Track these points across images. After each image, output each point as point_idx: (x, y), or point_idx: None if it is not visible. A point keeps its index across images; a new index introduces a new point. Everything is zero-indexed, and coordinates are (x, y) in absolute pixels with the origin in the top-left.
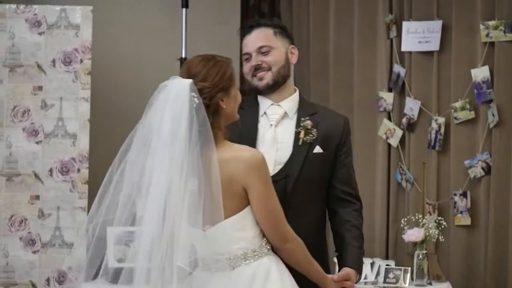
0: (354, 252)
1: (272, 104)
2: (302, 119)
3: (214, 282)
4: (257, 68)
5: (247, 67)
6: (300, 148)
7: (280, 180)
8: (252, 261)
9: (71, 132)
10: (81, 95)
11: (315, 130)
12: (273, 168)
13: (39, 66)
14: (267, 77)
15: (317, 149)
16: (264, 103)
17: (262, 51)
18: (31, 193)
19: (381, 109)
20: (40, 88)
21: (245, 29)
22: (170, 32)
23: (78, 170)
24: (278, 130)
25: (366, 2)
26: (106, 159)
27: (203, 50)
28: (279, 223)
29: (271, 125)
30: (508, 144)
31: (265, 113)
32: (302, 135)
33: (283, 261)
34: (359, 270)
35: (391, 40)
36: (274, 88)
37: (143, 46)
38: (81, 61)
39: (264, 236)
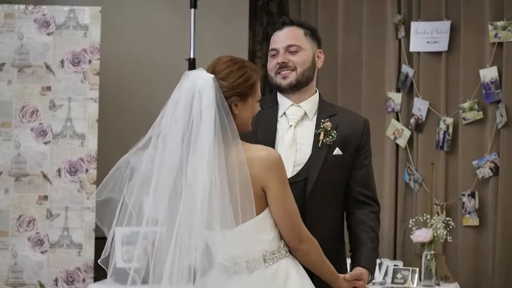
0: (368, 252)
1: (292, 105)
2: (322, 120)
3: (231, 286)
4: (283, 66)
5: (272, 63)
6: (319, 150)
7: (299, 182)
8: (271, 263)
9: (80, 132)
10: (90, 95)
11: (334, 132)
12: (292, 169)
13: (47, 67)
14: (291, 77)
15: (337, 151)
16: (284, 103)
17: (291, 50)
18: (40, 194)
19: (389, 109)
20: (49, 88)
21: (276, 25)
22: (178, 33)
23: (87, 171)
24: (297, 131)
25: (374, 3)
26: (115, 160)
27: (212, 51)
28: (295, 222)
29: (291, 126)
30: None
31: (284, 113)
32: (321, 136)
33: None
34: (372, 270)
35: (400, 40)
36: (296, 88)
37: (151, 47)
38: (90, 61)
39: (281, 238)
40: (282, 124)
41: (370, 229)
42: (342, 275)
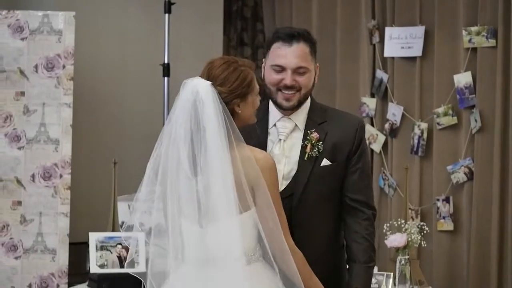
0: (360, 269)
1: (282, 117)
2: (309, 131)
3: (228, 277)
4: (289, 87)
5: (276, 78)
6: (305, 163)
7: (287, 197)
8: (249, 263)
9: (54, 137)
10: (64, 100)
11: (321, 143)
12: (281, 183)
13: (21, 72)
14: (295, 99)
15: (325, 162)
16: (275, 114)
17: (299, 71)
18: (13, 199)
19: (364, 114)
20: (23, 93)
21: (281, 35)
22: (153, 38)
23: (61, 176)
24: (286, 144)
25: (348, 8)
26: (89, 165)
27: (186, 56)
28: (281, 231)
29: (280, 139)
30: (491, 150)
31: (274, 125)
32: (308, 149)
33: None
34: (365, 287)
35: (374, 45)
36: (296, 108)
37: (126, 52)
38: (64, 66)
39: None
40: (272, 136)
41: (363, 239)
42: None
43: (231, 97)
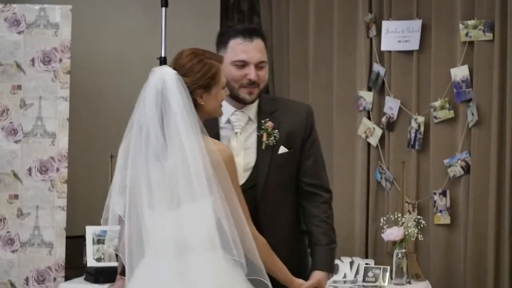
0: (323, 251)
1: (236, 111)
2: (263, 121)
3: (199, 264)
4: (253, 82)
5: (238, 74)
6: (264, 152)
7: (250, 189)
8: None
9: (50, 131)
10: (60, 94)
11: (276, 131)
12: (242, 176)
13: (18, 65)
14: (255, 92)
15: (282, 150)
16: (227, 109)
17: (260, 65)
18: (10, 192)
19: (361, 108)
20: (19, 87)
21: (241, 31)
22: (149, 31)
23: (57, 170)
24: (242, 137)
25: (345, 2)
26: (85, 158)
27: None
28: (244, 220)
29: (236, 133)
30: (487, 143)
31: (228, 120)
32: (264, 138)
33: None
34: (330, 269)
35: (371, 39)
36: (252, 102)
37: (122, 45)
38: (60, 60)
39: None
40: (226, 131)
41: (322, 222)
42: (298, 281)
43: (193, 87)
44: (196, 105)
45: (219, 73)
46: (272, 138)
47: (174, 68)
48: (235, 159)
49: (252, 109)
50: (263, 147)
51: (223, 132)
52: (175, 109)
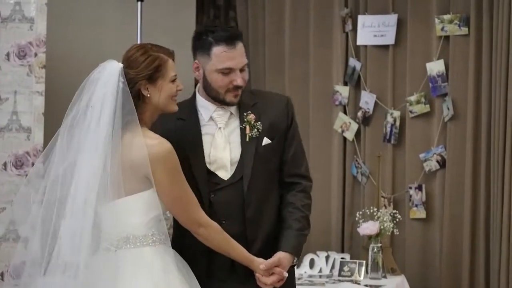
0: (291, 234)
1: (217, 108)
2: (245, 114)
3: (96, 263)
4: (239, 87)
5: (225, 81)
6: (248, 144)
7: (237, 182)
8: (132, 247)
9: (26, 126)
10: (36, 88)
11: (259, 123)
12: (229, 169)
13: None
14: (239, 93)
15: (265, 141)
16: (208, 107)
17: (243, 69)
18: None
19: (337, 102)
20: None
21: (222, 38)
22: (125, 26)
23: (33, 164)
24: (226, 132)
25: None
26: None
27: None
28: (188, 209)
29: (219, 128)
30: (463, 138)
31: (211, 117)
32: (247, 131)
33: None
34: (296, 253)
35: (347, 33)
36: None
37: (98, 40)
38: (36, 54)
39: (153, 228)
40: (209, 129)
41: (297, 210)
42: (258, 260)
43: (136, 78)
44: (142, 97)
45: (165, 65)
46: (255, 130)
47: (122, 62)
48: (222, 153)
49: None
50: (247, 139)
51: (206, 129)
52: (96, 102)
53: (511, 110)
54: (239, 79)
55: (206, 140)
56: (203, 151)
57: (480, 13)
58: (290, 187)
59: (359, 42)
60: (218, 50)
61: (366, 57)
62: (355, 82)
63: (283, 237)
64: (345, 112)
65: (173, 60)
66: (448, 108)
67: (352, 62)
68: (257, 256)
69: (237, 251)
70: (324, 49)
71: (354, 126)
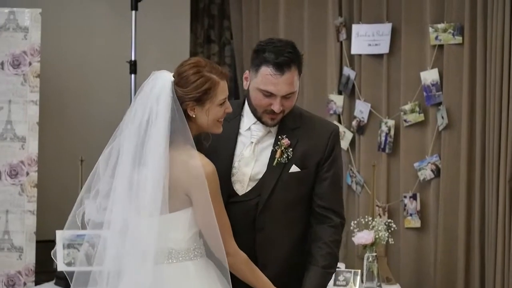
0: (317, 272)
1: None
2: (280, 136)
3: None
4: (278, 112)
5: (264, 103)
6: (274, 168)
7: (251, 200)
8: (174, 261)
9: (20, 135)
10: (30, 98)
11: (290, 150)
12: (247, 185)
13: None
14: (278, 118)
15: (293, 169)
16: (251, 116)
17: (287, 96)
18: None
19: (331, 111)
20: None
21: (272, 62)
22: (119, 35)
23: (27, 174)
24: (257, 147)
25: (315, 5)
26: (55, 162)
27: (153, 53)
28: (219, 235)
29: (252, 142)
30: (457, 147)
31: (249, 128)
32: (278, 154)
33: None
34: None
35: (341, 43)
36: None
37: (92, 49)
38: (30, 63)
39: (195, 242)
40: (244, 139)
41: (325, 245)
42: None
43: (184, 98)
44: (188, 116)
45: (214, 88)
46: (285, 156)
47: (173, 75)
48: (245, 167)
49: None
50: (275, 163)
51: (241, 139)
52: (156, 117)
53: (505, 119)
54: (276, 106)
55: (237, 149)
56: (230, 160)
57: (474, 22)
58: (321, 219)
59: (353, 51)
60: (264, 71)
61: (360, 66)
62: (349, 91)
63: (308, 274)
64: (339, 121)
65: (227, 80)
66: (443, 117)
67: (347, 71)
68: (272, 281)
69: (262, 282)
70: (319, 58)
71: (349, 135)
